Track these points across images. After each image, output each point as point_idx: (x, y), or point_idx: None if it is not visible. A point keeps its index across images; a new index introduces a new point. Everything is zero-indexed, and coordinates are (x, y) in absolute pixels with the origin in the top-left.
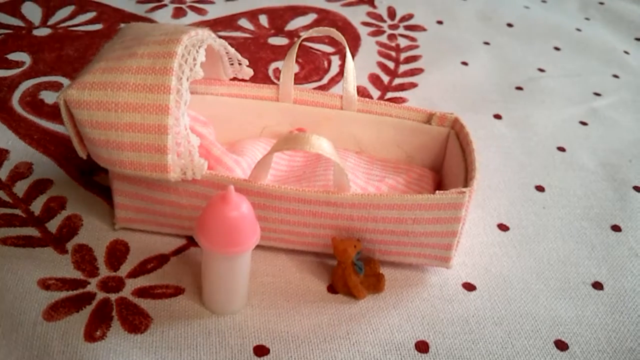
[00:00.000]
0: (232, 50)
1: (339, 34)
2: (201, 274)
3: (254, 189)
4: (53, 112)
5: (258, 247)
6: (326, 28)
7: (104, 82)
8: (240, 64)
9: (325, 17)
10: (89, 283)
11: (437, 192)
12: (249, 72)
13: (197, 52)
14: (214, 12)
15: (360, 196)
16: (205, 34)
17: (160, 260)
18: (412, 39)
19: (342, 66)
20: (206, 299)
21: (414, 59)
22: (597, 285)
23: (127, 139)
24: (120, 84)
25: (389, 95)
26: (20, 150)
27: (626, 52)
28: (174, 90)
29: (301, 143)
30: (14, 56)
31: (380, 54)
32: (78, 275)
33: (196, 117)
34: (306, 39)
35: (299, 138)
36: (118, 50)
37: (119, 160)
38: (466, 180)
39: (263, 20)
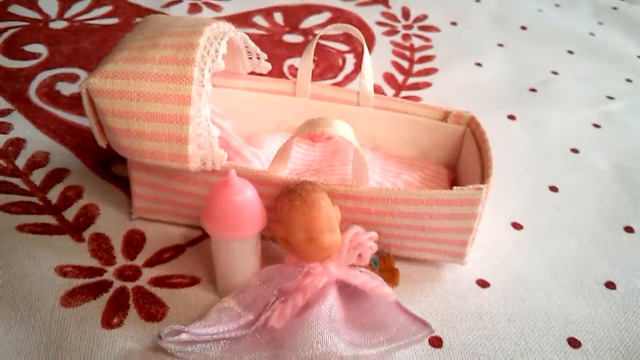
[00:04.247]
0: (251, 44)
1: (357, 30)
2: (212, 261)
3: (273, 181)
4: (70, 103)
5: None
6: (344, 25)
7: (127, 72)
8: (259, 58)
9: (339, 16)
10: (106, 271)
11: (454, 187)
12: (267, 67)
13: (219, 44)
14: (229, 8)
15: (378, 190)
16: (227, 26)
17: (176, 250)
18: (426, 39)
19: (356, 64)
20: (219, 287)
21: (428, 58)
22: (610, 285)
23: (148, 129)
24: (143, 73)
25: (403, 94)
26: (37, 139)
27: (639, 57)
28: (196, 81)
29: (324, 125)
30: (30, 48)
31: (395, 53)
32: (95, 263)
33: (214, 110)
34: (321, 37)
35: (322, 121)
36: (140, 41)
37: (139, 149)
38: (482, 177)
39: (278, 17)
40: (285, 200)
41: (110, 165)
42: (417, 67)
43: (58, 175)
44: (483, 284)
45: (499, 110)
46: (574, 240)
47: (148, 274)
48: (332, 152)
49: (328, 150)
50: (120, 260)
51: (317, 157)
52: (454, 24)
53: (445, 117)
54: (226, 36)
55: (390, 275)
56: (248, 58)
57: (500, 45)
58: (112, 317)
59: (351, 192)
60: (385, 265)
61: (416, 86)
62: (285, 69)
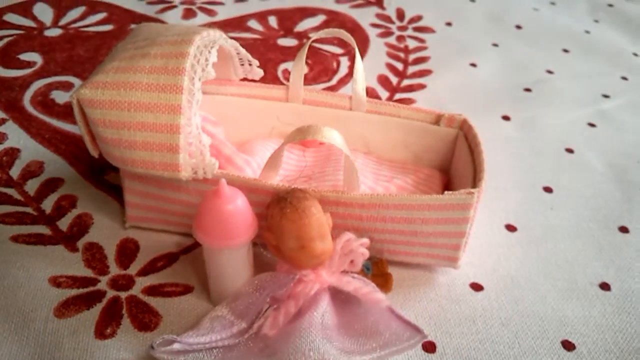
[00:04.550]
0: (243, 50)
1: (349, 35)
2: (205, 269)
3: (264, 188)
4: (64, 112)
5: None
6: (336, 29)
7: (117, 82)
8: (250, 64)
9: (334, 19)
10: (100, 281)
11: (446, 192)
12: (260, 73)
13: (209, 52)
14: (223, 13)
15: (369, 196)
16: (217, 34)
17: (169, 258)
18: (421, 41)
19: (351, 67)
20: (212, 295)
21: (423, 60)
22: (605, 286)
23: (140, 138)
24: (133, 83)
25: (398, 96)
26: (31, 149)
27: (635, 54)
28: (186, 90)
29: (313, 133)
30: (25, 56)
31: (389, 55)
32: (89, 273)
33: (206, 117)
34: (315, 40)
35: (311, 129)
36: (130, 50)
37: (130, 159)
38: (474, 181)
39: (272, 21)
40: (276, 209)
41: (104, 174)
42: (411, 69)
43: (52, 184)
44: (477, 287)
45: (494, 110)
46: (569, 242)
47: (141, 283)
48: (324, 158)
49: (320, 156)
50: (114, 270)
51: (309, 163)
52: (448, 24)
53: (437, 120)
54: (216, 44)
55: (383, 281)
56: (240, 65)
57: (495, 45)
58: (106, 327)
59: (342, 198)
60: (378, 270)
61: (410, 88)
62: (280, 73)
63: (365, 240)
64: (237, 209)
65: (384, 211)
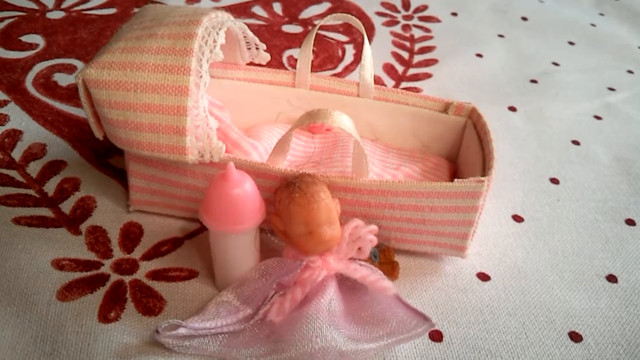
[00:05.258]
0: (250, 34)
1: (357, 20)
2: (211, 254)
3: (272, 173)
4: (67, 94)
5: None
6: (344, 14)
7: (123, 62)
8: (257, 48)
9: (339, 6)
10: (103, 264)
11: (455, 180)
12: (266, 57)
13: (217, 34)
14: None
15: (378, 182)
16: (225, 16)
17: (174, 243)
18: (427, 30)
19: (356, 55)
20: (217, 280)
21: (429, 49)
22: (611, 278)
23: (146, 120)
24: (140, 64)
25: (404, 85)
26: (33, 131)
27: None
28: (194, 71)
29: (323, 117)
30: (27, 38)
31: (395, 44)
32: (92, 256)
33: (212, 102)
34: (320, 28)
35: (321, 112)
36: (137, 31)
37: (136, 141)
38: (484, 169)
39: (277, 7)
40: (284, 193)
41: (107, 157)
42: (417, 58)
43: (55, 167)
44: (484, 277)
45: (500, 101)
46: (575, 233)
47: (145, 267)
48: (332, 144)
49: (328, 142)
50: (118, 254)
51: (317, 148)
52: (454, 14)
53: (446, 108)
54: (224, 26)
55: (390, 269)
56: (247, 48)
57: (501, 36)
58: (109, 311)
59: (351, 184)
60: (385, 258)
61: (416, 77)
62: (285, 60)
63: (374, 227)
64: (245, 193)
65: (393, 198)
